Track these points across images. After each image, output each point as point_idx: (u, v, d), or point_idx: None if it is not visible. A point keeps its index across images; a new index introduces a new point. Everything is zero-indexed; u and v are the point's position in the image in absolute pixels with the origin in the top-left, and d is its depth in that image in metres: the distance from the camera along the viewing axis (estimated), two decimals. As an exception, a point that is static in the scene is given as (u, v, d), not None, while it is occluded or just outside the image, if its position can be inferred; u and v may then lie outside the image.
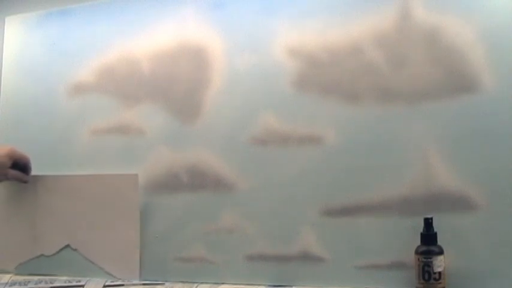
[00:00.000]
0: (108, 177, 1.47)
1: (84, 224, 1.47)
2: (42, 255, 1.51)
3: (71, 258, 1.47)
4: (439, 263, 1.11)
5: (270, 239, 1.30)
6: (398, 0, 1.25)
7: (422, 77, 1.21)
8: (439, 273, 1.11)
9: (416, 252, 1.14)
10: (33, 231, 1.52)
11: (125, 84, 1.49)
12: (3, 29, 1.66)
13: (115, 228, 1.44)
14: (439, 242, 1.13)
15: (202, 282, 1.34)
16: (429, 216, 1.15)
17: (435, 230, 1.14)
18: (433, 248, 1.12)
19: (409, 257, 1.15)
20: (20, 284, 1.47)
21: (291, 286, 1.26)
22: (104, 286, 1.41)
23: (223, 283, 1.32)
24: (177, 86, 1.44)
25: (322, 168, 1.27)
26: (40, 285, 1.45)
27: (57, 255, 1.49)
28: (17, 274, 1.50)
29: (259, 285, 1.29)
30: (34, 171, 1.54)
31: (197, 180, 1.38)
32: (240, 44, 1.38)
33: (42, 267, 1.50)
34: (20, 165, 1.49)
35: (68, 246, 1.49)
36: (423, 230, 1.15)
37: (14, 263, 1.52)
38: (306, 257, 1.26)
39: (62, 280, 1.45)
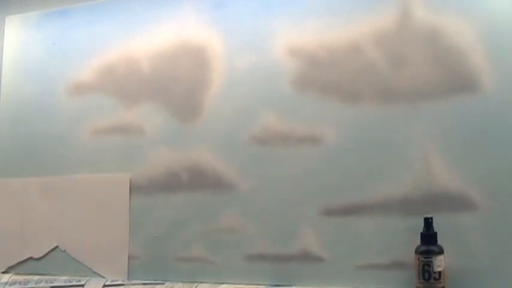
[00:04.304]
0: (99, 179, 1.47)
1: (74, 226, 1.48)
2: (30, 257, 1.51)
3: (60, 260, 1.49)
4: (439, 263, 1.11)
5: (270, 239, 1.30)
6: (398, 0, 1.25)
7: (422, 77, 1.21)
8: (439, 272, 1.11)
9: (416, 252, 1.13)
10: (21, 234, 1.53)
11: (125, 84, 1.49)
12: (3, 29, 1.66)
13: (104, 229, 1.45)
14: (439, 242, 1.13)
15: (202, 282, 1.34)
16: (429, 216, 1.15)
17: (435, 230, 1.14)
18: (433, 247, 1.12)
19: (409, 257, 1.15)
20: (20, 283, 1.47)
21: (291, 286, 1.26)
22: (104, 286, 1.41)
23: (223, 283, 1.32)
24: (177, 86, 1.44)
25: (322, 168, 1.27)
26: (40, 285, 1.45)
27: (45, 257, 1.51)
28: (16, 274, 1.51)
29: (259, 285, 1.29)
30: (34, 172, 1.54)
31: (197, 180, 1.38)
32: (240, 44, 1.38)
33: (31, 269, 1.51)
34: None
35: (56, 247, 1.49)
36: (423, 229, 1.15)
37: (3, 266, 1.53)
38: (306, 257, 1.26)
39: (61, 280, 1.45)
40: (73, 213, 1.49)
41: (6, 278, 1.49)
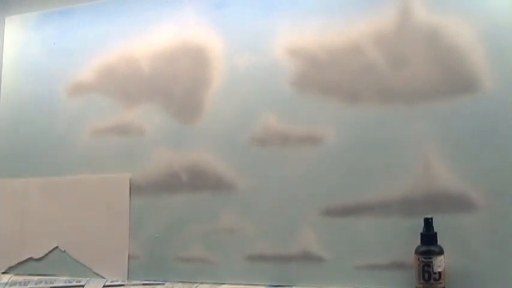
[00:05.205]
0: (99, 179, 1.47)
1: (74, 226, 1.48)
2: (30, 258, 1.51)
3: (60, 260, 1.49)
4: (439, 263, 1.11)
5: (270, 239, 1.30)
6: (398, 0, 1.25)
7: (423, 77, 1.21)
8: (439, 273, 1.11)
9: (416, 252, 1.13)
10: (21, 234, 1.53)
11: (125, 84, 1.49)
12: (3, 29, 1.66)
13: (104, 229, 1.45)
14: (439, 242, 1.13)
15: (202, 282, 1.34)
16: (429, 216, 1.15)
17: (435, 230, 1.14)
18: (433, 248, 1.12)
19: (409, 257, 1.15)
20: (20, 284, 1.47)
21: (291, 286, 1.26)
22: (104, 286, 1.41)
23: (223, 283, 1.32)
24: (177, 86, 1.44)
25: (322, 168, 1.27)
26: (40, 285, 1.45)
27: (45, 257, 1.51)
28: (16, 274, 1.51)
29: (259, 285, 1.29)
30: (34, 172, 1.54)
31: (197, 180, 1.38)
32: (240, 44, 1.38)
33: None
34: None
35: (56, 248, 1.49)
36: (423, 230, 1.15)
37: (3, 266, 1.53)
38: (306, 257, 1.26)
39: (62, 280, 1.45)
40: (73, 213, 1.49)
41: (6, 278, 1.49)
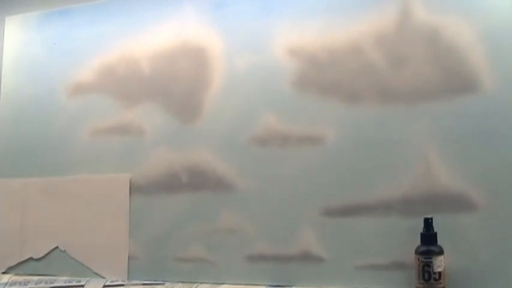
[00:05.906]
0: (99, 179, 1.47)
1: (74, 226, 1.48)
2: (30, 258, 1.51)
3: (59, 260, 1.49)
4: (439, 263, 1.11)
5: (270, 239, 1.30)
6: (399, 0, 1.25)
7: (422, 77, 1.21)
8: (439, 273, 1.11)
9: (416, 252, 1.13)
10: (21, 234, 1.53)
11: (125, 84, 1.49)
12: (3, 29, 1.66)
13: (104, 229, 1.45)
14: (439, 242, 1.13)
15: (202, 282, 1.34)
16: (429, 216, 1.15)
17: (435, 230, 1.14)
18: (433, 248, 1.12)
19: (409, 257, 1.15)
20: (20, 284, 1.47)
21: (291, 286, 1.26)
22: (104, 286, 1.41)
23: (223, 283, 1.32)
24: (177, 86, 1.44)
25: (322, 168, 1.27)
26: (40, 285, 1.45)
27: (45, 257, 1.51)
28: (16, 274, 1.51)
29: (259, 285, 1.29)
30: (34, 172, 1.54)
31: (197, 180, 1.38)
32: (240, 44, 1.38)
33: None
34: None
35: (56, 248, 1.49)
36: (423, 230, 1.15)
37: (3, 266, 1.53)
38: (306, 257, 1.26)
39: (62, 280, 1.45)
40: (73, 214, 1.49)
41: (6, 278, 1.49)
